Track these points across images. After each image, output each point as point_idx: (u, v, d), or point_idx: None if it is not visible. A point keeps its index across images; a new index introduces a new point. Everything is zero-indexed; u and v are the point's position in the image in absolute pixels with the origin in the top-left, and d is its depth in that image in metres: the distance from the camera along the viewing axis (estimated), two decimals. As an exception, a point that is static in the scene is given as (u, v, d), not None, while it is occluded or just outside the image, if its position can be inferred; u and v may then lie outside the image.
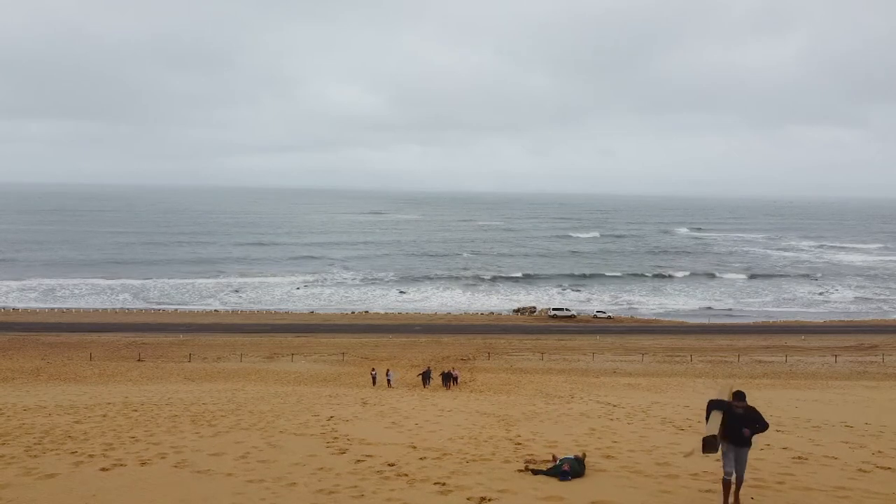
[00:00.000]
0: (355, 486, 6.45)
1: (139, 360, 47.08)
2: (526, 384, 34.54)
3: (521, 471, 7.39)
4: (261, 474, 6.92)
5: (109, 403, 15.82)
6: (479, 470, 7.36)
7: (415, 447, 8.83)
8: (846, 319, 73.46)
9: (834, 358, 51.02)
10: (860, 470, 7.71)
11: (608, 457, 8.54)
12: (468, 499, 6.03)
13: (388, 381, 33.76)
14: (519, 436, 10.25)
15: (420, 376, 35.38)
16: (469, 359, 49.05)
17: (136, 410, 13.87)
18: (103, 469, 7.11)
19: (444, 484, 6.57)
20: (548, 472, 7.16)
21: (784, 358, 51.20)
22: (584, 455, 8.24)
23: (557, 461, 7.54)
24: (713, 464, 7.98)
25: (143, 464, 7.44)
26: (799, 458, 8.33)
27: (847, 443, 10.10)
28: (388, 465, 7.50)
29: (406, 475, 6.93)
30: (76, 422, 11.29)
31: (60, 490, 6.18)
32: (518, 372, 43.40)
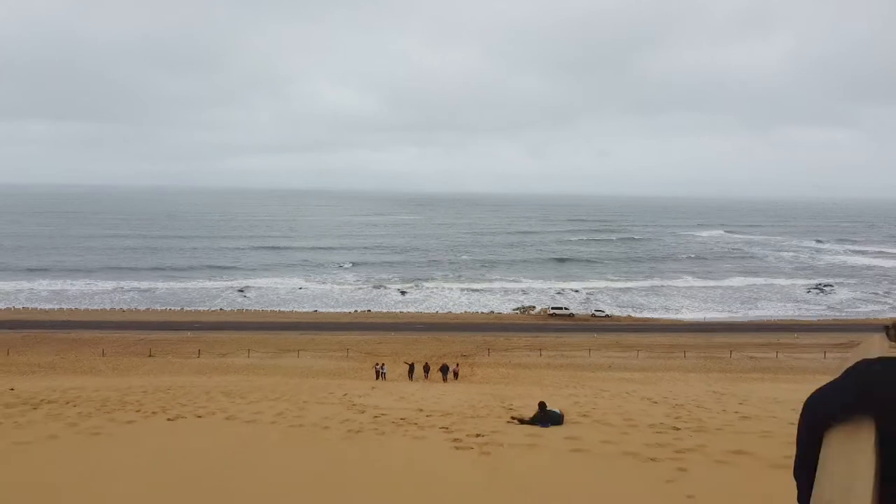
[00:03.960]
0: (376, 429, 8.05)
1: (150, 356, 48.66)
2: (524, 377, 36.18)
3: (509, 422, 9.01)
4: (299, 423, 8.51)
5: (140, 385, 17.42)
6: (476, 422, 8.96)
7: (422, 410, 10.42)
8: (840, 318, 74.72)
9: (823, 354, 52.55)
10: (791, 423, 9.29)
11: (584, 415, 10.14)
12: (467, 435, 7.62)
13: (383, 374, 35.30)
14: (511, 404, 11.86)
15: (408, 370, 37.14)
16: (469, 355, 50.59)
17: (168, 390, 15.45)
18: (169, 419, 8.69)
19: (447, 428, 8.16)
20: (531, 422, 8.77)
21: (775, 354, 52.74)
22: (563, 413, 9.84)
23: (541, 408, 9.13)
24: (667, 419, 9.51)
25: (199, 417, 9.02)
26: (745, 416, 9.90)
27: (797, 411, 11.64)
28: (401, 419, 9.10)
29: (416, 424, 8.53)
30: (124, 395, 12.87)
31: (141, 431, 7.76)
32: (517, 367, 44.95)
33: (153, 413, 9.46)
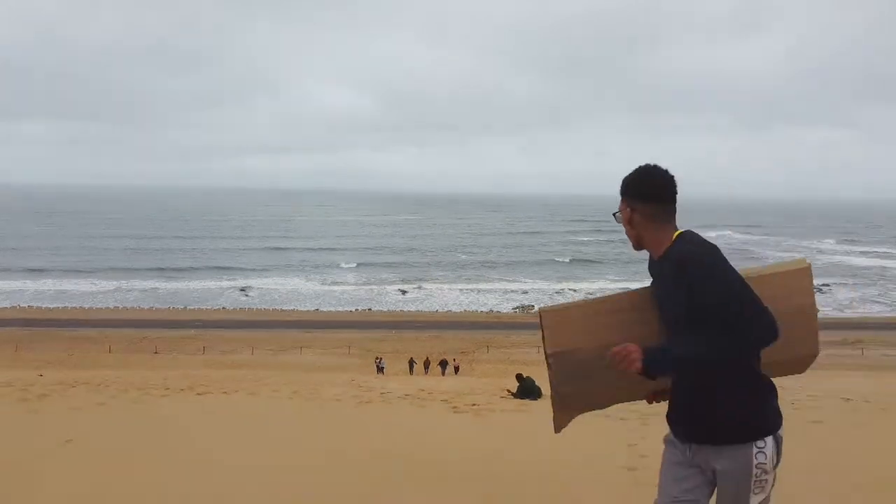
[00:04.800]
0: (384, 401, 9.09)
1: (156, 353, 49.71)
2: (522, 372, 37.21)
3: (503, 396, 10.08)
4: (314, 398, 9.54)
5: (156, 374, 18.43)
6: (472, 397, 10.00)
7: (423, 390, 11.44)
8: (838, 317, 75.42)
9: (815, 351, 53.60)
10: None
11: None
12: (464, 404, 8.66)
13: (382, 367, 36.23)
14: (507, 387, 12.90)
15: (408, 364, 38.26)
16: (469, 352, 51.63)
17: (185, 378, 16.46)
18: (198, 394, 9.70)
19: (447, 401, 9.19)
20: (521, 395, 9.85)
21: (768, 352, 53.84)
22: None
23: (518, 378, 10.25)
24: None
25: (224, 393, 10.05)
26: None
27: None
28: (405, 395, 10.14)
29: (419, 398, 9.55)
30: (146, 380, 13.87)
31: (177, 401, 8.77)
32: (515, 363, 45.89)
33: (181, 390, 10.49)
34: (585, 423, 7.76)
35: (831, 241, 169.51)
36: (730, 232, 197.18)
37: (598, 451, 5.48)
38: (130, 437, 5.95)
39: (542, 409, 8.53)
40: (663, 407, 8.08)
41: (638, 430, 6.48)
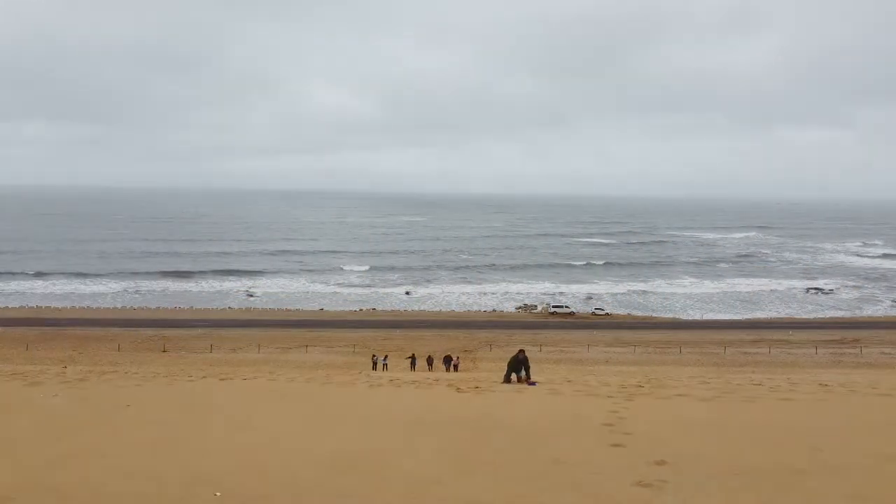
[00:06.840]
0: (394, 385, 9.87)
1: (164, 351, 50.49)
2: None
3: (503, 383, 10.86)
4: (328, 382, 10.32)
5: (170, 369, 19.23)
6: (476, 382, 10.78)
7: (429, 378, 12.23)
8: (836, 317, 75.83)
9: (815, 349, 54.08)
10: (738, 384, 11.05)
11: (568, 382, 11.93)
12: (467, 386, 9.43)
13: (385, 365, 36.83)
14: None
15: (408, 360, 38.93)
16: (472, 350, 52.31)
17: (202, 370, 17.26)
18: (221, 379, 10.48)
19: (451, 384, 9.97)
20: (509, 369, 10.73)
21: (768, 350, 54.28)
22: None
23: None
24: (637, 382, 11.24)
25: (244, 380, 10.83)
26: (703, 382, 11.68)
27: (753, 384, 13.38)
28: (413, 381, 10.91)
29: (426, 383, 10.33)
30: (168, 370, 14.69)
31: (205, 384, 9.52)
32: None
33: (203, 377, 11.30)
34: (574, 397, 8.59)
35: (836, 241, 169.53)
36: (755, 233, 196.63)
37: (582, 414, 6.26)
38: (177, 405, 6.75)
39: (539, 390, 9.31)
40: (649, 388, 8.82)
41: (622, 402, 7.25)
